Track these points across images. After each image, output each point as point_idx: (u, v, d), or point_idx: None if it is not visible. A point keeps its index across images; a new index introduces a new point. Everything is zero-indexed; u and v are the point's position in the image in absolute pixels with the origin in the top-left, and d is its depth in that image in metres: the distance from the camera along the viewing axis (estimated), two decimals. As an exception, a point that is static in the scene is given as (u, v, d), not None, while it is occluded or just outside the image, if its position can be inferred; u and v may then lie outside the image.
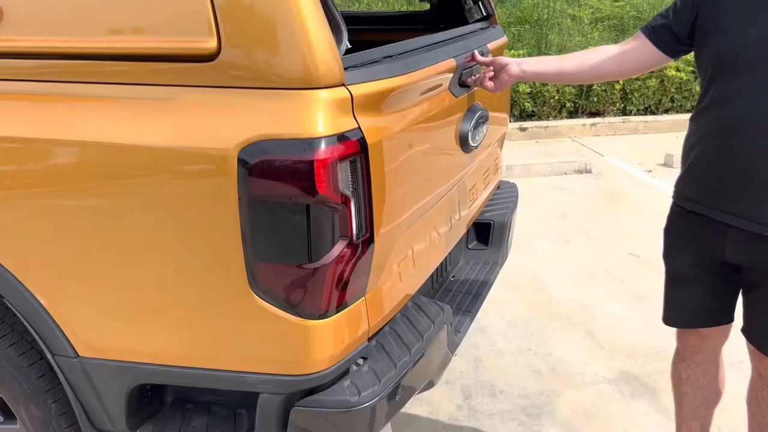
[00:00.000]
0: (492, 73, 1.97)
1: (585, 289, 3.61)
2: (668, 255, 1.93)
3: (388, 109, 1.55)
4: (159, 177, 1.42)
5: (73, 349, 1.57)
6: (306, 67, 1.35)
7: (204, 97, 1.41)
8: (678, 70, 6.98)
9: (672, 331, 3.15)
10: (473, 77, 1.99)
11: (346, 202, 1.39)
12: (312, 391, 1.51)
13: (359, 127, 1.42)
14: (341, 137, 1.37)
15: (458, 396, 2.70)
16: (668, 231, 1.93)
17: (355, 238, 1.43)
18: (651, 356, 2.97)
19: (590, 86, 7.01)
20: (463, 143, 2.00)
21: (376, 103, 1.50)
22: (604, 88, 6.98)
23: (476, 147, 2.08)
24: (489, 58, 2.02)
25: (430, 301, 1.88)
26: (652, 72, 6.98)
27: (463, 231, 2.25)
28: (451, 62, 1.86)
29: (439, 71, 1.79)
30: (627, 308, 3.40)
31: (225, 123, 1.38)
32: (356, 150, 1.40)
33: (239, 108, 1.38)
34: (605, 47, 1.90)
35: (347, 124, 1.40)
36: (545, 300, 3.48)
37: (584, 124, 6.89)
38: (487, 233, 2.53)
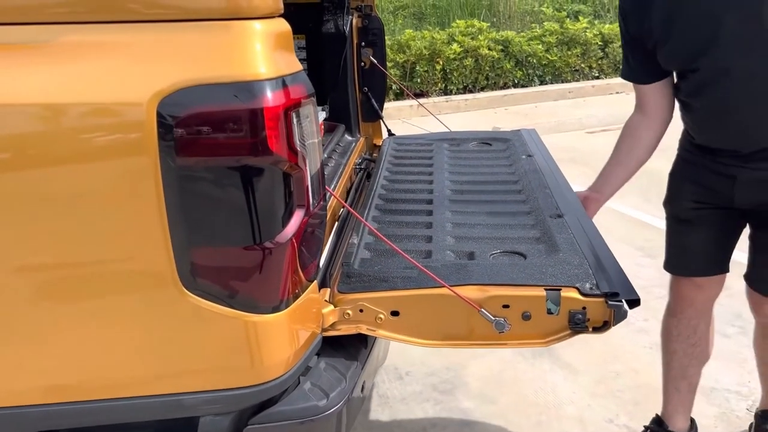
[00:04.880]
0: None
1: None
2: (671, 199, 1.92)
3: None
4: (36, 147, 1.03)
5: None
6: (234, -7, 1.05)
7: (94, 36, 1.04)
8: (490, 49, 7.35)
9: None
10: None
11: (301, 161, 1.12)
12: (265, 405, 1.22)
13: (305, 69, 1.16)
14: (289, 80, 1.10)
15: (366, 386, 2.50)
16: (673, 174, 1.91)
17: (312, 206, 1.17)
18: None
19: (413, 68, 7.13)
20: None
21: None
22: (426, 69, 7.13)
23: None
24: None
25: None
26: (467, 51, 7.28)
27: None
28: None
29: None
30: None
31: (131, 68, 1.03)
32: (306, 95, 1.14)
33: (147, 47, 1.04)
34: (632, 126, 1.88)
35: (292, 63, 1.13)
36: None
37: (411, 105, 6.97)
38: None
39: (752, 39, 1.56)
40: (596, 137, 5.95)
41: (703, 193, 1.80)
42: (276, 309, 1.15)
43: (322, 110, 2.44)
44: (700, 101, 1.71)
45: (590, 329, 1.32)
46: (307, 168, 1.13)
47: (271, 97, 1.05)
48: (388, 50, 7.00)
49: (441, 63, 7.13)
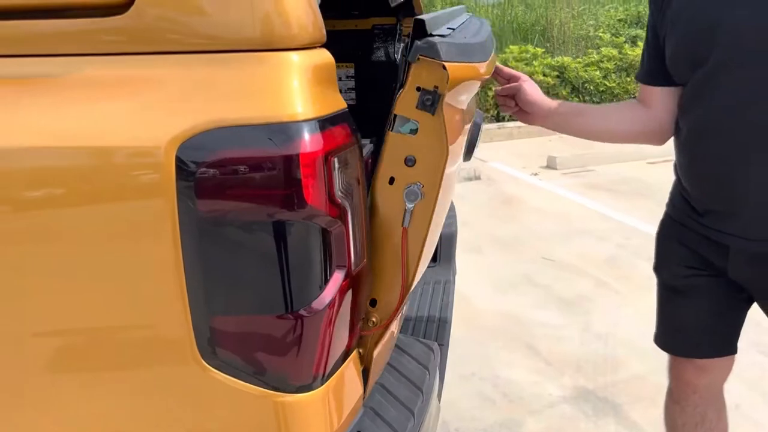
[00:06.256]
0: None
1: (511, 299, 3.37)
2: (660, 264, 1.63)
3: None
4: (44, 193, 0.90)
5: None
6: (268, 19, 0.91)
7: (113, 70, 0.91)
8: (544, 75, 7.13)
9: (616, 337, 3.00)
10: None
11: (342, 215, 0.95)
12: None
13: (348, 108, 1.00)
14: (330, 120, 0.94)
15: (412, 442, 2.30)
16: (660, 235, 1.63)
17: (353, 266, 1.00)
18: (599, 367, 2.75)
19: (464, 93, 6.97)
20: (468, 151, 1.63)
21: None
22: (478, 95, 6.96)
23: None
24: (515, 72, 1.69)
25: (411, 339, 1.48)
26: (521, 77, 7.07)
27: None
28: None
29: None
30: (558, 316, 3.20)
31: (149, 106, 0.89)
32: (349, 139, 0.98)
33: (170, 83, 0.90)
34: (628, 104, 1.68)
35: (334, 101, 0.97)
36: (474, 316, 3.19)
37: (462, 132, 6.81)
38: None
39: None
40: (658, 168, 5.64)
41: (696, 259, 1.50)
42: (310, 387, 0.98)
43: (370, 142, 2.29)
44: (685, 119, 1.43)
45: (445, 87, 1.06)
46: (349, 222, 0.97)
47: (308, 140, 0.89)
48: (439, 76, 6.88)
49: (492, 89, 6.94)
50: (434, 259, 2.16)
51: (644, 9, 9.41)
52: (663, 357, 2.80)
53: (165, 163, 0.87)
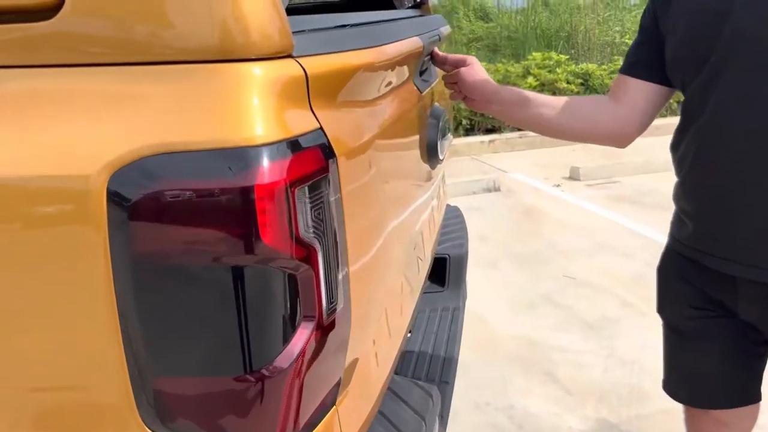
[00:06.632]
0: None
1: (529, 321, 3.19)
2: (663, 304, 1.46)
3: (352, 99, 0.99)
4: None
5: None
6: (224, 25, 0.76)
7: (38, 83, 0.78)
8: (568, 82, 6.94)
9: (643, 365, 2.80)
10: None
11: (310, 256, 0.80)
12: None
13: (321, 128, 0.85)
14: (296, 144, 0.79)
15: (418, 480, 2.14)
16: (661, 270, 1.45)
17: (325, 314, 0.85)
18: (624, 397, 2.56)
19: (485, 101, 6.80)
20: (431, 155, 1.47)
21: (338, 88, 0.93)
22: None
23: (442, 160, 1.56)
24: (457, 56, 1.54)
25: (408, 382, 1.32)
26: (544, 85, 6.89)
27: (426, 272, 1.71)
28: (417, 42, 1.33)
29: (409, 50, 1.25)
30: (581, 340, 3.01)
31: (78, 128, 0.76)
32: (321, 166, 0.82)
33: (104, 100, 0.77)
34: (597, 98, 1.56)
35: (303, 121, 0.82)
36: (489, 339, 3.01)
37: (482, 141, 6.64)
38: (441, 271, 2.01)
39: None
40: (687, 179, 5.42)
41: (702, 297, 1.33)
42: (274, 456, 0.83)
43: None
44: (688, 125, 1.27)
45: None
46: (320, 264, 0.82)
47: (267, 169, 0.74)
48: (459, 84, 6.72)
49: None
50: (442, 283, 2.00)
51: (672, 14, 9.16)
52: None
53: (94, 194, 0.73)
